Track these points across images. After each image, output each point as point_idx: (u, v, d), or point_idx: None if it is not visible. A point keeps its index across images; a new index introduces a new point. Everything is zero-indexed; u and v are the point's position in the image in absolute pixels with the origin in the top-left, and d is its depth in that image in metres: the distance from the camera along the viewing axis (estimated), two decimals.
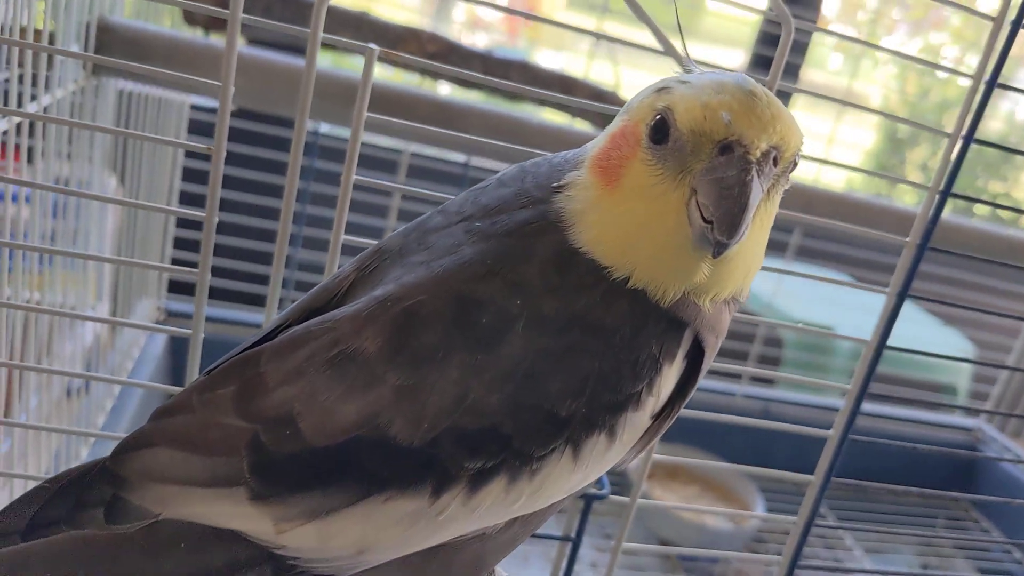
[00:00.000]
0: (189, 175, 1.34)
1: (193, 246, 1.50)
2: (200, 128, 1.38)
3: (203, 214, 0.70)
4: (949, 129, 0.73)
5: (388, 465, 0.44)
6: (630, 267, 0.46)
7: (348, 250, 0.67)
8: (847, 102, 0.87)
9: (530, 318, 0.45)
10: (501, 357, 0.44)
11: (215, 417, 0.47)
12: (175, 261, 1.34)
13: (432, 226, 0.52)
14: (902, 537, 1.50)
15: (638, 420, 0.47)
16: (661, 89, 0.46)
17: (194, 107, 1.33)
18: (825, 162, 0.88)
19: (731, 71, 0.49)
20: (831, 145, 1.55)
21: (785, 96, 1.72)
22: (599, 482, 0.80)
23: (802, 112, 1.81)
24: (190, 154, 1.32)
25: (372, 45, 0.65)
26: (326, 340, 0.46)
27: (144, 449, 0.47)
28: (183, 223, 1.34)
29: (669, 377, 0.47)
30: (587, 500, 0.79)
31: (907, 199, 2.54)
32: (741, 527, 1.30)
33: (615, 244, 0.46)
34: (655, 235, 0.46)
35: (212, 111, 1.37)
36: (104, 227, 1.18)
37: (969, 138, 0.72)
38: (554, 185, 0.49)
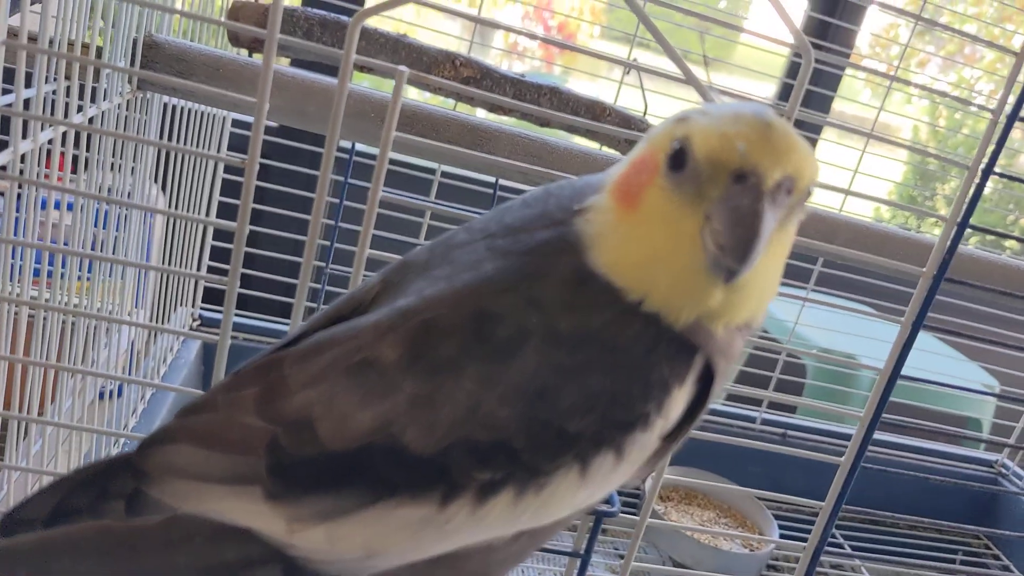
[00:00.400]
0: (228, 188, 1.38)
1: (229, 257, 1.55)
2: (240, 143, 1.42)
3: (235, 224, 0.74)
4: (966, 162, 0.75)
5: (399, 472, 0.45)
6: (645, 290, 0.47)
7: (376, 265, 0.70)
8: (870, 134, 0.88)
9: (545, 334, 0.46)
10: (514, 371, 0.45)
11: (237, 417, 0.48)
12: (211, 271, 1.38)
13: (457, 242, 0.53)
14: (918, 570, 1.48)
15: (647, 440, 0.48)
16: (681, 119, 0.48)
17: (235, 122, 1.37)
18: (847, 192, 0.90)
19: (752, 101, 0.51)
20: (858, 176, 1.56)
21: (813, 127, 1.74)
22: (609, 499, 0.81)
23: (831, 143, 1.82)
24: (229, 168, 1.36)
25: (403, 67, 0.68)
26: (348, 347, 0.48)
27: (167, 444, 0.49)
28: (220, 235, 1.37)
29: (679, 399, 0.48)
30: (597, 517, 0.80)
31: (936, 231, 2.53)
32: (755, 553, 1.31)
33: (631, 267, 0.47)
34: (671, 260, 0.46)
35: (248, 127, 1.41)
36: (149, 237, 1.23)
37: (988, 171, 0.74)
38: (575, 208, 0.51)
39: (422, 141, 0.73)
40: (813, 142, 1.76)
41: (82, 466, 0.53)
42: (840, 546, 1.43)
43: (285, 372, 0.49)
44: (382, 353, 0.47)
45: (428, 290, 0.49)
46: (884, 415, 0.84)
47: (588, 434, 0.46)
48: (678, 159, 0.46)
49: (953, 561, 1.54)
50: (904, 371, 0.79)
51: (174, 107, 1.14)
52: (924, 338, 0.80)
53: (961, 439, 1.80)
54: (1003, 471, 1.66)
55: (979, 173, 0.73)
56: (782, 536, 1.37)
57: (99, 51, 0.91)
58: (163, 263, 1.26)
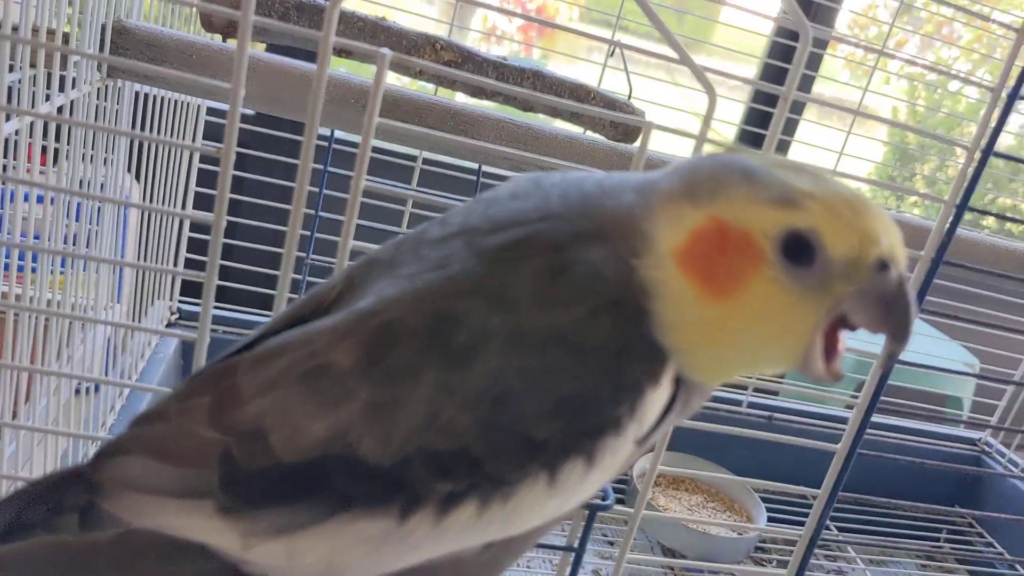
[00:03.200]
0: (204, 179, 1.35)
1: (207, 249, 1.52)
2: (216, 132, 1.38)
3: (212, 216, 0.71)
4: (964, 142, 0.73)
5: (356, 484, 0.43)
6: (705, 369, 0.46)
7: (358, 256, 0.68)
8: (856, 111, 0.87)
9: (507, 336, 0.43)
10: (475, 376, 0.43)
11: (190, 427, 0.46)
12: (189, 263, 1.35)
13: (428, 238, 0.50)
14: (904, 549, 1.49)
15: (619, 446, 0.45)
16: (784, 200, 0.44)
17: (210, 111, 1.34)
18: (838, 174, 0.88)
19: (827, 174, 0.47)
20: (841, 158, 1.55)
21: (796, 107, 1.72)
22: (602, 491, 0.80)
23: (813, 124, 1.81)
24: (205, 158, 1.33)
25: (384, 50, 0.65)
26: (302, 353, 0.46)
27: (120, 456, 0.47)
28: (197, 226, 1.34)
29: (653, 402, 0.46)
30: (591, 510, 0.79)
31: (915, 212, 2.53)
32: (743, 537, 1.30)
33: (710, 349, 0.45)
34: (770, 356, 0.46)
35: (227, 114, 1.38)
36: (125, 230, 1.19)
37: (988, 151, 0.72)
38: (595, 215, 0.47)
39: (405, 127, 0.71)
40: (796, 124, 1.75)
41: (37, 479, 0.51)
42: (827, 528, 1.43)
43: (238, 380, 0.46)
44: (337, 359, 0.44)
45: (388, 290, 0.47)
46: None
47: (556, 441, 0.44)
48: (801, 252, 0.43)
49: (938, 540, 1.55)
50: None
51: (146, 96, 1.10)
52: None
53: (946, 420, 1.81)
54: (986, 448, 1.67)
55: (979, 153, 0.72)
56: (770, 519, 1.37)
57: (66, 37, 0.87)
58: (139, 255, 1.23)
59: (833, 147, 1.56)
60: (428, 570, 0.49)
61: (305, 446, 0.44)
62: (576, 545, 0.81)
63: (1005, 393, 1.68)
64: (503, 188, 0.54)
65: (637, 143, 1.16)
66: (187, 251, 1.35)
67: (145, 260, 1.23)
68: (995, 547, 1.55)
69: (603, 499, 0.80)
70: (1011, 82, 0.70)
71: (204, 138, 1.34)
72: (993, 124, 0.70)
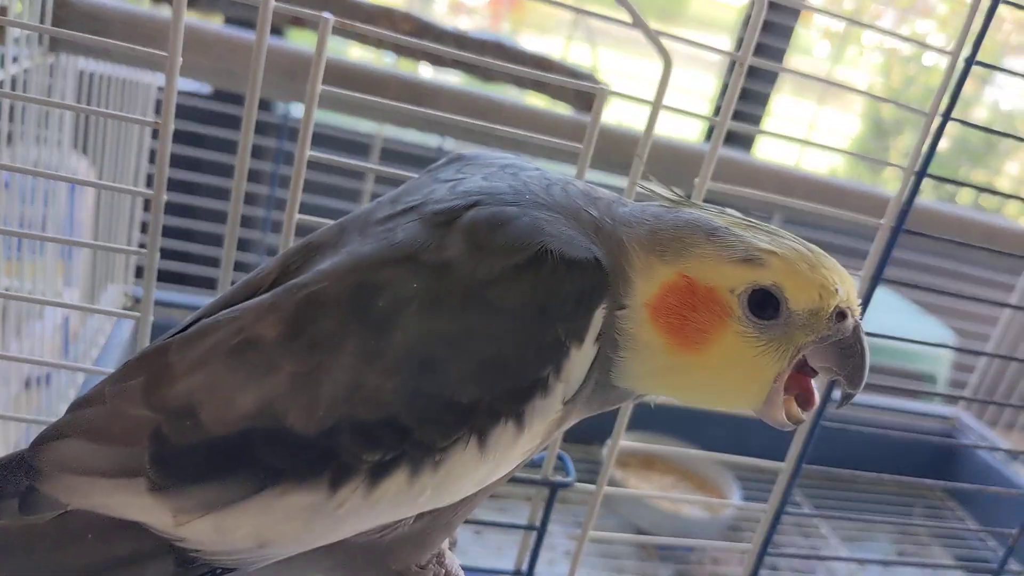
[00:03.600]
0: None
1: (164, 232, 1.48)
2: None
3: (151, 192, 0.69)
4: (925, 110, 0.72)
5: (284, 457, 0.44)
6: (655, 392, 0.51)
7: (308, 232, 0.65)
8: (830, 81, 0.85)
9: (424, 301, 0.44)
10: (395, 343, 0.43)
11: (123, 408, 0.46)
12: (142, 246, 1.32)
13: (377, 217, 0.50)
14: (878, 525, 1.49)
15: (547, 407, 0.46)
16: (748, 259, 0.47)
17: (160, 89, 1.30)
18: (804, 142, 0.87)
19: (774, 227, 0.51)
20: (813, 130, 1.54)
21: (768, 79, 1.71)
22: (565, 469, 0.78)
23: (787, 97, 1.80)
24: (157, 136, 1.30)
25: (326, 14, 0.63)
26: (232, 328, 0.46)
27: (58, 440, 0.47)
28: (149, 207, 1.31)
29: (578, 361, 0.46)
30: (552, 488, 0.77)
31: (892, 186, 2.53)
32: (717, 516, 1.29)
33: (670, 392, 0.50)
34: (726, 397, 0.50)
35: (183, 94, 1.36)
36: (79, 213, 1.16)
37: (947, 116, 0.71)
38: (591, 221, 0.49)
39: (356, 96, 0.68)
40: (766, 97, 1.73)
41: None
42: (799, 505, 1.42)
43: (169, 359, 0.47)
44: (262, 332, 0.45)
45: (322, 265, 0.47)
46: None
47: (483, 405, 0.44)
48: (766, 307, 0.47)
49: (911, 515, 1.55)
50: (864, 327, 0.77)
51: (91, 74, 1.07)
52: (881, 294, 0.77)
53: (919, 395, 1.81)
54: (959, 425, 1.67)
55: (937, 119, 0.70)
56: (745, 498, 1.36)
57: (4, 10, 0.84)
58: (97, 240, 1.19)
59: (811, 124, 1.55)
60: (360, 544, 0.49)
61: (233, 420, 0.44)
62: (538, 524, 0.79)
63: (976, 369, 1.68)
64: (473, 168, 0.53)
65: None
66: (142, 233, 1.31)
67: (99, 238, 1.19)
68: (967, 521, 1.55)
69: (565, 475, 0.78)
70: (966, 51, 0.68)
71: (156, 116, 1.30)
72: (951, 90, 0.69)
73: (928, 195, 2.26)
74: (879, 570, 1.39)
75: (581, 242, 0.46)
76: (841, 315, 0.47)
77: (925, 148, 0.71)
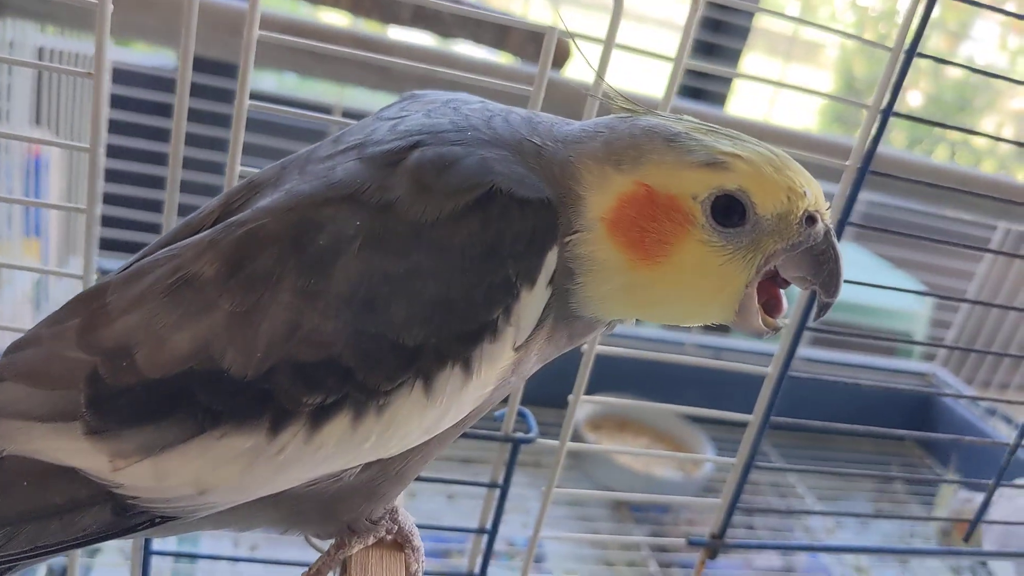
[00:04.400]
0: (117, 127, 1.29)
1: (121, 200, 1.45)
2: (133, 97, 1.32)
3: (87, 147, 0.66)
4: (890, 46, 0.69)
5: (222, 399, 0.42)
6: (619, 315, 0.47)
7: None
8: (804, 21, 0.83)
9: (368, 239, 0.42)
10: (336, 282, 0.41)
11: (59, 350, 0.45)
12: (106, 219, 1.30)
13: (318, 156, 0.48)
14: (855, 484, 1.48)
15: (497, 352, 0.44)
16: (710, 163, 0.44)
17: (117, 69, 1.28)
18: (779, 85, 0.84)
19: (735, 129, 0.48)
20: (781, 88, 1.52)
21: (740, 35, 1.68)
22: (527, 426, 0.76)
23: (757, 56, 1.77)
24: (116, 104, 1.27)
25: None
26: (169, 267, 0.44)
27: None
28: (111, 177, 1.29)
29: (529, 304, 0.44)
30: (514, 445, 0.75)
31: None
32: (691, 476, 1.28)
33: (635, 311, 0.47)
34: (695, 311, 0.47)
35: (141, 74, 1.34)
36: (45, 188, 1.14)
37: (912, 51, 0.68)
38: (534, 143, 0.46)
39: (294, 40, 0.65)
40: (737, 54, 1.70)
41: None
42: (773, 462, 1.42)
43: (107, 300, 0.45)
44: (200, 270, 0.43)
45: (262, 202, 0.45)
46: (814, 329, 0.80)
47: (429, 348, 0.42)
48: (729, 212, 0.44)
49: (887, 471, 1.54)
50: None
51: (51, 52, 1.05)
52: (852, 251, 0.75)
53: (895, 349, 1.80)
54: (935, 381, 1.66)
55: (902, 55, 0.68)
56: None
57: None
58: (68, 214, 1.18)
59: (781, 79, 1.52)
60: (307, 494, 0.47)
61: (170, 360, 0.42)
62: (501, 482, 0.77)
63: (953, 325, 1.67)
64: (417, 105, 0.51)
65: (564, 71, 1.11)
66: (106, 203, 1.30)
67: (71, 219, 1.18)
68: (945, 475, 1.55)
69: (527, 432, 0.76)
70: None
71: (118, 101, 1.28)
72: (916, 23, 0.66)
73: (903, 147, 2.25)
74: (855, 527, 1.39)
75: (531, 181, 0.44)
76: (811, 219, 0.44)
77: (891, 84, 0.69)
